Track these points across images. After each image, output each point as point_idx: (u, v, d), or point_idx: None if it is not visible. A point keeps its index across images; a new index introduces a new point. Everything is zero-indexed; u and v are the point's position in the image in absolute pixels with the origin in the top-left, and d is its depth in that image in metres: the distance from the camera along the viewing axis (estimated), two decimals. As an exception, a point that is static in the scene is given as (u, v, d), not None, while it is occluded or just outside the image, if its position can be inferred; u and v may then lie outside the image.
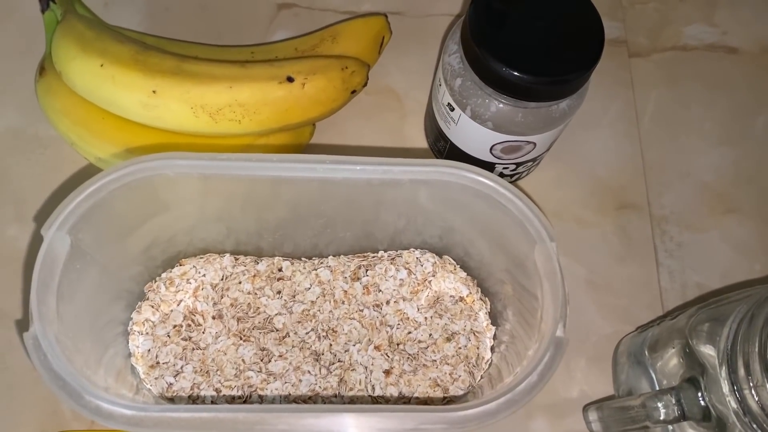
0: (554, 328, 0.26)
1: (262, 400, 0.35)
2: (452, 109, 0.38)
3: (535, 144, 0.38)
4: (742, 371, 0.28)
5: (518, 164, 0.41)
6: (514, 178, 0.43)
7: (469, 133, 0.38)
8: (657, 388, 0.34)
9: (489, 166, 0.40)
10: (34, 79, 0.42)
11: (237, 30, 0.47)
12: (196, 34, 0.46)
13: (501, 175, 0.42)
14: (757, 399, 0.28)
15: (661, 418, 0.31)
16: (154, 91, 0.37)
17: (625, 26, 0.49)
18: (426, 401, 0.34)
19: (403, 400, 0.35)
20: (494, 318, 0.37)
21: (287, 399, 0.35)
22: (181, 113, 0.37)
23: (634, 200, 0.44)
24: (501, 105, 0.36)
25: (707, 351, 0.31)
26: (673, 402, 0.31)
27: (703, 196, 0.45)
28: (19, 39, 0.45)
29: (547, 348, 0.26)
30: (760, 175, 0.46)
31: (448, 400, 0.34)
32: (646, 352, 0.36)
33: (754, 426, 0.28)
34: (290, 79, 0.38)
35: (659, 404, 0.31)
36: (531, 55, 0.34)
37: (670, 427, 0.33)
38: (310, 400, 0.35)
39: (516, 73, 0.33)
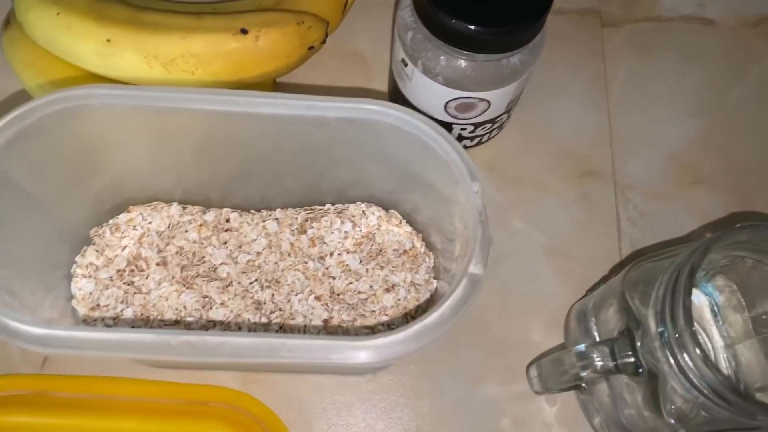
0: (468, 264, 0.26)
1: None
2: (406, 65, 0.38)
3: (489, 102, 0.38)
4: (669, 323, 0.28)
5: (476, 125, 0.40)
6: (474, 142, 0.43)
7: (423, 89, 0.38)
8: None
9: (446, 126, 0.40)
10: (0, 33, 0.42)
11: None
12: (166, -5, 0.46)
13: (460, 137, 0.41)
14: (683, 352, 0.27)
15: (598, 368, 0.31)
16: (108, 40, 0.37)
17: (598, -4, 0.49)
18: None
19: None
20: (437, 273, 0.36)
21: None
22: (135, 63, 0.37)
23: (599, 168, 0.44)
24: (451, 58, 0.35)
25: (642, 303, 0.30)
26: (607, 352, 0.30)
27: (671, 167, 0.44)
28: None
29: (458, 283, 0.25)
30: (731, 147, 0.45)
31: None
32: (591, 313, 0.35)
33: (683, 378, 0.28)
34: (244, 31, 0.38)
35: (593, 355, 0.31)
36: (477, 7, 0.34)
37: (605, 383, 0.33)
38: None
39: (462, 24, 0.33)
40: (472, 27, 0.33)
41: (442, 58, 0.36)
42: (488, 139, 0.43)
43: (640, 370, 0.30)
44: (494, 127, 0.42)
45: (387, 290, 0.35)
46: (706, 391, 0.27)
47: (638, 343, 0.30)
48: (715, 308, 0.34)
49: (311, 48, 0.40)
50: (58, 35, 0.38)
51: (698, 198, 0.43)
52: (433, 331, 0.25)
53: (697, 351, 0.27)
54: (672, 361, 0.28)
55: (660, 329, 0.28)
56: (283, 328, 0.36)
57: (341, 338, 0.25)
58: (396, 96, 0.42)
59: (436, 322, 0.25)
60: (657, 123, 0.45)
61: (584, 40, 0.47)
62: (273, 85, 0.43)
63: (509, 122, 0.44)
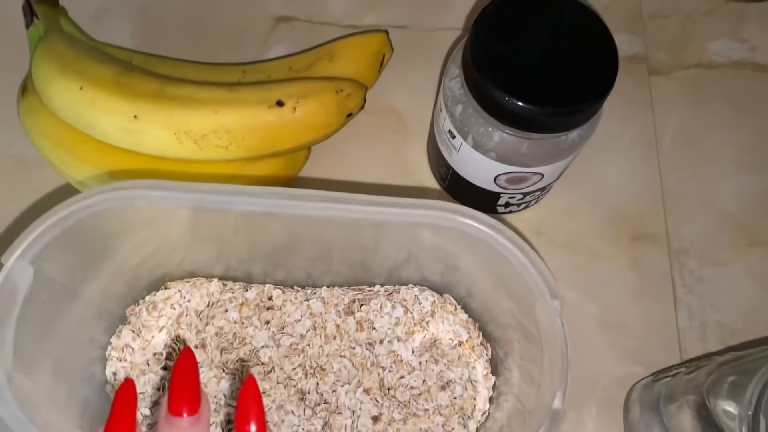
0: (551, 399, 0.23)
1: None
2: (453, 137, 0.35)
3: (542, 175, 0.36)
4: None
5: (525, 194, 0.38)
6: (521, 207, 0.40)
7: (472, 162, 0.36)
8: (670, 447, 0.32)
9: (494, 196, 0.38)
10: (16, 98, 0.40)
11: (233, 45, 0.45)
12: (189, 49, 0.43)
13: (507, 204, 0.39)
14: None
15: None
16: (135, 116, 0.35)
17: (644, 42, 0.46)
18: (417, 455, 0.32)
19: (393, 451, 0.32)
20: (495, 365, 0.34)
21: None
22: (164, 139, 0.35)
23: (652, 231, 0.41)
24: (505, 135, 0.33)
25: (726, 415, 0.28)
26: (688, 471, 0.28)
27: (727, 227, 0.42)
28: (6, 53, 0.44)
29: (542, 421, 0.23)
30: (789, 204, 0.42)
31: (440, 455, 0.32)
32: (661, 405, 0.33)
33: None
34: (280, 103, 0.35)
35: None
36: (537, 83, 0.31)
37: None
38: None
39: (520, 104, 0.31)
40: (534, 107, 0.31)
41: (495, 134, 0.33)
42: (535, 203, 0.41)
43: (726, 489, 0.28)
44: (544, 193, 0.39)
45: (442, 387, 0.33)
46: None
47: (721, 457, 0.28)
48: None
49: (350, 115, 0.38)
50: (81, 110, 0.35)
51: (756, 261, 0.41)
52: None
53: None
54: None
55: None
56: (328, 424, 0.33)
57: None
58: (439, 163, 0.39)
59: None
60: (710, 179, 0.43)
61: (631, 90, 0.45)
62: (308, 150, 0.40)
63: (556, 183, 0.42)
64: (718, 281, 0.40)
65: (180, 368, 0.22)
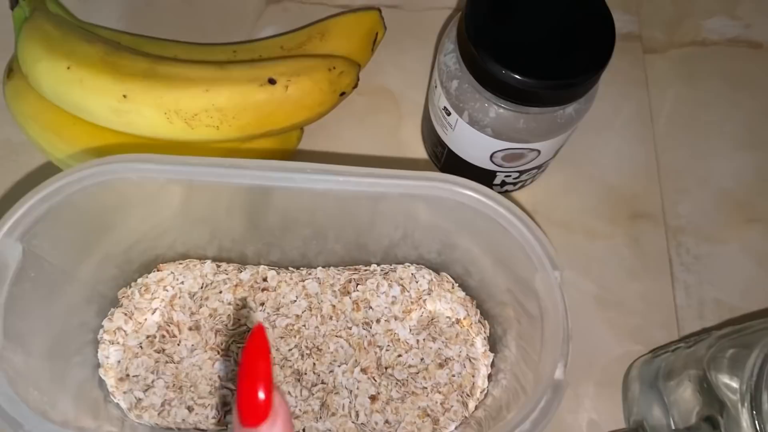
0: (552, 370, 0.23)
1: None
2: (449, 114, 0.35)
3: (539, 151, 0.35)
4: (767, 408, 0.25)
5: (521, 172, 0.37)
6: (517, 186, 0.40)
7: (468, 139, 0.35)
8: (671, 422, 0.31)
9: (490, 174, 0.37)
10: (1, 81, 0.39)
11: (222, 26, 0.44)
12: (178, 30, 0.43)
13: (503, 183, 0.39)
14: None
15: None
16: (124, 96, 0.34)
17: (639, 20, 0.46)
18: (415, 433, 0.31)
19: (389, 429, 0.32)
20: (493, 343, 0.34)
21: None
22: (154, 119, 0.34)
23: (648, 209, 0.41)
24: (501, 110, 0.33)
25: (727, 387, 0.28)
26: (689, 443, 0.28)
27: (723, 205, 0.42)
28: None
29: (544, 392, 0.23)
30: (786, 181, 0.42)
31: (438, 432, 0.32)
32: (660, 381, 0.33)
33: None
34: (272, 81, 0.35)
35: (673, 446, 0.28)
36: (533, 56, 0.31)
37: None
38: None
39: (517, 77, 0.30)
40: (531, 80, 0.30)
41: (491, 109, 0.33)
42: (531, 182, 0.41)
43: (729, 461, 0.27)
44: (540, 171, 0.39)
45: (440, 365, 0.33)
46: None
47: (723, 430, 0.28)
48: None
49: (342, 94, 0.37)
50: (68, 90, 0.34)
51: (753, 238, 0.41)
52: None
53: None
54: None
55: (756, 419, 0.26)
56: (325, 404, 0.33)
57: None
58: (434, 142, 0.39)
59: (520, 439, 0.23)
60: (707, 157, 0.43)
61: (626, 69, 0.44)
62: (300, 132, 0.40)
63: (552, 161, 0.41)
64: (716, 259, 0.40)
65: (249, 357, 0.18)
